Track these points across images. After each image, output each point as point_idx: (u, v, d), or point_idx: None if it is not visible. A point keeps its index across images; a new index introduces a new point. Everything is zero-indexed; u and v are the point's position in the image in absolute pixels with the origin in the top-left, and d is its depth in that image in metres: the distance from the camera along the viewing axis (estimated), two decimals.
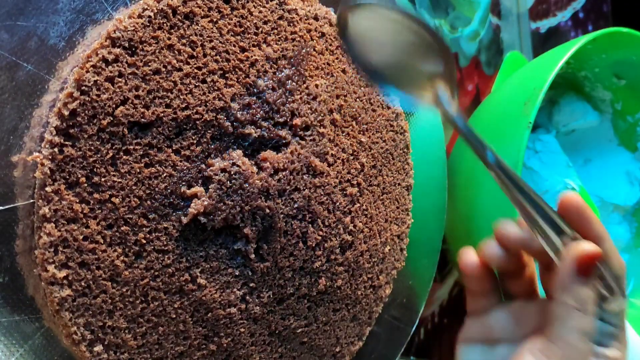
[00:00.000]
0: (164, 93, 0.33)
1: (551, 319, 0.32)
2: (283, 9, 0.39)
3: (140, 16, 0.33)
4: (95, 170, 0.32)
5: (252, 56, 0.37)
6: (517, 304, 0.36)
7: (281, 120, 0.38)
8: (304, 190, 0.38)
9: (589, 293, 0.31)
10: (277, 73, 0.38)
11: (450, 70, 0.33)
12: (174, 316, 0.34)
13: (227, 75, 0.36)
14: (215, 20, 0.36)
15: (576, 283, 0.31)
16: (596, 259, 0.31)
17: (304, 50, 0.39)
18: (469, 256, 0.35)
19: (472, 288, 0.36)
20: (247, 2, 0.37)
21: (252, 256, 0.36)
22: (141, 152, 0.33)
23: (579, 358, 0.31)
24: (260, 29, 0.37)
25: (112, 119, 0.32)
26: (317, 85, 0.39)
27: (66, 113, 0.31)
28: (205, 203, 0.34)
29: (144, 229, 0.33)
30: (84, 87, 0.31)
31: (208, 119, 0.35)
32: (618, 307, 0.32)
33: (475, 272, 0.35)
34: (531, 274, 0.36)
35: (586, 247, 0.31)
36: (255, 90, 0.37)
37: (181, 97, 0.34)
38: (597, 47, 0.52)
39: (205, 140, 0.35)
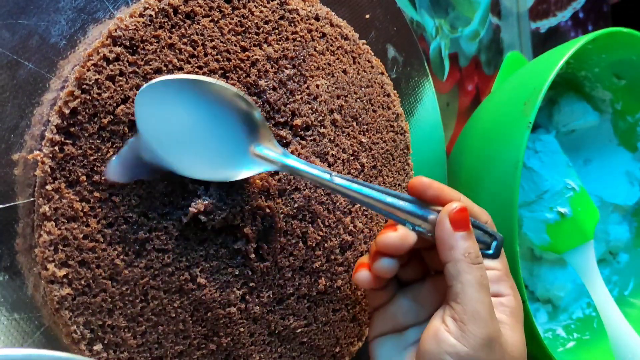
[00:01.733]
0: None
1: (448, 281, 0.33)
2: (284, 9, 0.39)
3: (141, 15, 0.33)
4: (95, 168, 0.32)
5: (253, 56, 0.37)
6: (414, 287, 0.38)
7: (282, 120, 0.38)
8: (304, 190, 0.38)
9: (472, 244, 0.33)
10: (278, 73, 0.38)
11: (258, 120, 0.33)
12: (174, 315, 0.34)
13: (228, 74, 0.36)
14: (216, 19, 0.36)
15: (458, 239, 0.33)
16: (464, 212, 0.33)
17: (304, 51, 0.39)
18: (362, 276, 0.36)
19: (372, 288, 0.38)
20: (248, 1, 0.37)
21: (252, 256, 0.36)
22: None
23: (484, 311, 0.32)
24: (261, 29, 0.37)
25: (112, 117, 0.32)
26: (317, 86, 0.39)
27: (67, 111, 0.31)
28: (206, 202, 0.34)
29: (144, 227, 0.33)
30: (84, 86, 0.31)
31: None
32: (493, 249, 0.35)
33: (371, 285, 0.36)
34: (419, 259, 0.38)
35: (452, 205, 0.34)
36: (256, 90, 0.37)
37: None
38: (597, 47, 0.52)
39: None
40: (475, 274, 0.32)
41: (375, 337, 0.38)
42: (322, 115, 0.39)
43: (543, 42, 0.70)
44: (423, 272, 0.38)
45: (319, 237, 0.39)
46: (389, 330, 0.38)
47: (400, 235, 0.34)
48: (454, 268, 0.33)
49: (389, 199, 0.34)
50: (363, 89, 0.43)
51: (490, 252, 0.35)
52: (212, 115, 0.32)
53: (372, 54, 0.44)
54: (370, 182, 0.42)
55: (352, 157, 0.41)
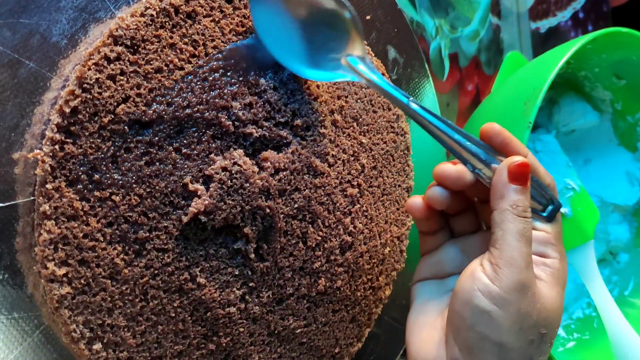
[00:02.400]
0: (165, 91, 0.34)
1: (492, 228, 0.34)
2: None
3: (142, 15, 0.33)
4: (95, 167, 0.32)
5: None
6: (464, 238, 0.39)
7: (282, 120, 0.38)
8: (304, 190, 0.38)
9: (523, 199, 0.34)
10: (279, 73, 0.38)
11: (358, 29, 0.36)
12: (173, 315, 0.34)
13: (228, 74, 0.36)
14: (217, 19, 0.36)
15: (511, 190, 0.33)
16: (525, 167, 0.34)
17: None
18: (414, 201, 0.38)
19: (423, 229, 0.39)
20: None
21: (252, 256, 0.36)
22: (142, 150, 0.33)
23: (520, 259, 0.32)
24: None
25: (113, 116, 0.32)
26: (318, 86, 0.39)
27: (67, 110, 0.31)
28: (206, 202, 0.34)
29: (144, 227, 0.33)
30: (85, 85, 0.31)
31: (209, 118, 0.35)
32: (547, 212, 0.35)
33: (421, 214, 0.38)
34: (474, 210, 0.39)
35: (515, 158, 0.34)
36: (256, 89, 0.37)
37: (182, 95, 0.34)
38: (597, 47, 0.52)
39: (206, 139, 0.35)
40: (517, 224, 0.33)
41: (417, 281, 0.39)
42: (323, 115, 0.39)
43: (543, 42, 0.70)
44: (475, 227, 0.39)
45: (319, 238, 0.39)
46: (432, 276, 0.39)
47: (458, 170, 0.35)
48: (499, 216, 0.33)
49: (457, 136, 0.35)
50: (363, 89, 0.43)
51: (544, 214, 0.35)
52: (313, 20, 0.36)
53: (373, 54, 0.44)
54: (371, 183, 0.42)
55: (352, 158, 0.41)
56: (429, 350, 0.36)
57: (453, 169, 0.35)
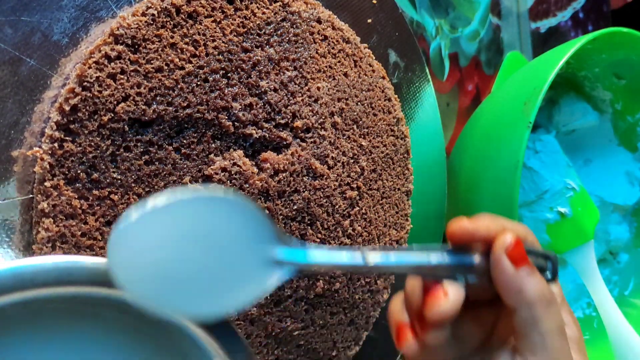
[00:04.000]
0: (166, 91, 0.33)
1: (520, 329, 0.28)
2: (286, 11, 0.39)
3: (144, 14, 0.33)
4: (95, 166, 0.32)
5: (254, 57, 0.37)
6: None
7: (282, 121, 0.38)
8: (303, 192, 0.38)
9: (542, 281, 0.28)
10: (280, 74, 0.38)
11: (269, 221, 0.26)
12: None
13: (229, 75, 0.36)
14: (218, 20, 0.36)
15: (524, 277, 0.28)
16: (520, 244, 0.28)
17: (306, 53, 0.39)
18: (411, 349, 0.30)
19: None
20: (251, 3, 0.37)
21: None
22: (141, 150, 0.33)
23: (564, 357, 0.28)
24: (263, 30, 0.37)
25: (113, 115, 0.32)
26: (318, 88, 0.39)
27: (67, 108, 0.31)
28: None
29: None
30: (85, 83, 0.31)
31: (209, 118, 0.35)
32: (550, 271, 0.30)
33: (420, 353, 0.30)
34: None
35: (505, 239, 0.28)
36: (257, 91, 0.37)
37: (183, 95, 0.34)
38: (597, 47, 0.52)
39: (206, 139, 0.35)
40: (555, 319, 0.28)
41: None
42: (323, 117, 0.39)
43: (543, 42, 0.70)
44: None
45: (318, 240, 0.39)
46: None
47: (453, 302, 0.28)
48: (529, 314, 0.27)
49: (435, 260, 0.29)
50: (364, 92, 0.43)
51: (549, 276, 0.30)
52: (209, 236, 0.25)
53: (374, 57, 0.44)
54: (370, 186, 0.42)
55: (352, 160, 0.41)
56: None
57: (449, 305, 0.28)
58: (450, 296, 0.28)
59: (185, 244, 0.24)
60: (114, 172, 0.32)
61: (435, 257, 0.29)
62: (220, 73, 0.35)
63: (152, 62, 0.33)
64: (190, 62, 0.34)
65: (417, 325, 0.30)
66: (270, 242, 0.26)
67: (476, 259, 0.29)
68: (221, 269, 0.25)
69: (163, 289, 0.24)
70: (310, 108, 0.39)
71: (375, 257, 0.28)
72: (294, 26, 0.39)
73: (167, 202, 0.24)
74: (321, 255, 0.27)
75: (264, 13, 0.38)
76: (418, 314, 0.30)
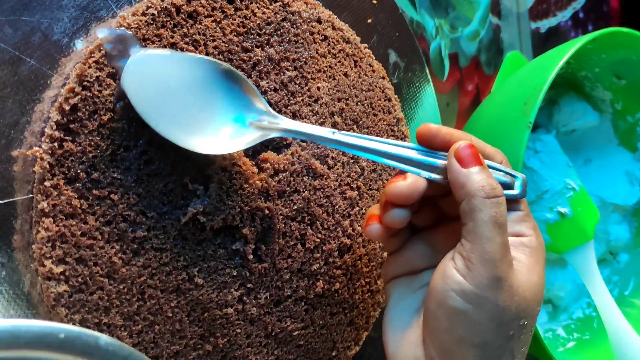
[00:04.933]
0: None
1: (462, 220, 0.32)
2: (286, 11, 0.39)
3: (144, 14, 0.33)
4: (94, 166, 0.32)
5: (254, 57, 0.37)
6: (428, 232, 0.37)
7: None
8: (303, 192, 0.38)
9: (486, 177, 0.31)
10: (280, 74, 0.38)
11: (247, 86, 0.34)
12: (170, 315, 0.34)
13: None
14: (218, 20, 0.36)
15: (469, 175, 0.31)
16: (470, 147, 0.32)
17: (306, 53, 0.39)
18: (372, 229, 0.35)
19: (386, 244, 0.37)
20: (251, 3, 0.37)
21: (250, 257, 0.36)
22: (141, 149, 0.33)
23: (494, 252, 0.30)
24: (263, 30, 0.37)
25: (112, 114, 0.32)
26: (319, 88, 0.39)
27: (67, 108, 0.31)
28: (205, 203, 0.34)
29: (143, 226, 0.33)
30: (85, 83, 0.31)
31: None
32: (520, 188, 0.33)
33: (384, 238, 0.36)
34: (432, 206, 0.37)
35: (457, 144, 0.32)
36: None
37: None
38: (597, 47, 0.52)
39: None
40: (489, 210, 0.30)
41: (390, 279, 0.37)
42: (323, 117, 0.39)
43: (543, 42, 0.70)
44: (438, 218, 0.37)
45: (318, 240, 0.39)
46: (403, 273, 0.37)
47: (409, 184, 0.33)
48: (468, 205, 0.31)
49: (395, 150, 0.33)
50: (364, 92, 0.43)
51: (517, 193, 0.33)
52: (201, 88, 0.33)
53: (374, 57, 0.44)
54: (370, 186, 0.42)
55: (352, 160, 0.41)
56: (406, 351, 0.34)
57: (404, 184, 0.33)
58: (407, 180, 0.33)
59: (182, 89, 0.32)
60: (114, 171, 0.32)
61: (398, 149, 0.33)
62: None
63: None
64: None
65: (382, 211, 0.35)
66: (253, 108, 0.34)
67: (439, 161, 0.33)
68: (208, 118, 0.33)
69: (163, 116, 0.32)
70: (311, 108, 0.39)
71: (344, 137, 0.34)
72: (294, 26, 0.39)
73: (171, 53, 0.33)
74: (293, 124, 0.34)
75: (264, 13, 0.38)
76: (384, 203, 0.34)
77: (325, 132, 0.34)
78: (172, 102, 0.32)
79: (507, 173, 0.34)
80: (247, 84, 0.34)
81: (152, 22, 0.33)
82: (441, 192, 0.35)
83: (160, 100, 0.32)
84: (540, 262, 0.33)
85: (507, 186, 0.33)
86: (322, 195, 0.39)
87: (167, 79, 0.32)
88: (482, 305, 0.30)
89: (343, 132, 0.34)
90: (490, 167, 0.33)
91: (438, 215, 0.37)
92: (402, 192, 0.33)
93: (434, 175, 0.33)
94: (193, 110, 0.33)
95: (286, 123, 0.34)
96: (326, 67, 0.40)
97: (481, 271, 0.30)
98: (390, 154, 0.33)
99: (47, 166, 0.31)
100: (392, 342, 0.35)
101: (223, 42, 0.36)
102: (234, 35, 0.36)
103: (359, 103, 0.42)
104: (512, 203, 0.33)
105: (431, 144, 0.34)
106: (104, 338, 0.26)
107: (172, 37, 0.34)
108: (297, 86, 0.38)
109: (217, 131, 0.33)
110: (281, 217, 0.37)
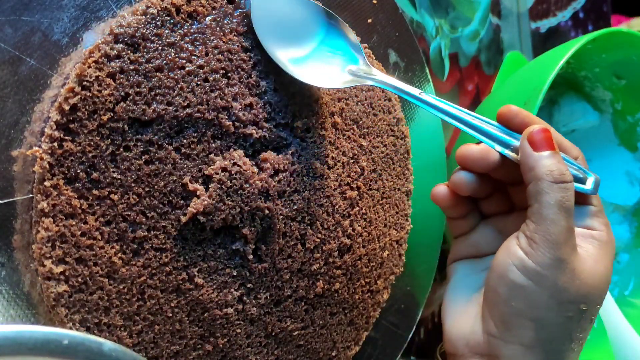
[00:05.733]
0: (166, 90, 0.33)
1: (529, 202, 0.32)
2: None
3: (144, 13, 0.33)
4: (94, 166, 0.32)
5: (254, 57, 0.37)
6: (499, 218, 0.38)
7: (283, 121, 0.37)
8: (303, 192, 0.38)
9: (556, 162, 0.32)
10: (280, 75, 0.38)
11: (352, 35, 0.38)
12: (170, 315, 0.34)
13: (229, 74, 0.36)
14: (218, 19, 0.36)
15: (540, 159, 0.32)
16: (545, 131, 0.32)
17: None
18: (439, 189, 0.37)
19: (451, 216, 0.38)
20: None
21: (250, 257, 0.36)
22: (141, 149, 0.33)
23: (558, 234, 0.31)
24: None
25: (112, 114, 0.32)
26: (319, 88, 0.39)
27: (67, 108, 0.31)
28: (205, 202, 0.34)
29: (143, 226, 0.33)
30: (85, 82, 0.31)
31: (209, 118, 0.35)
32: (592, 185, 0.33)
33: (447, 202, 0.37)
34: (502, 191, 0.38)
35: (533, 127, 0.33)
36: (257, 90, 0.37)
37: (183, 95, 0.34)
38: (597, 47, 0.52)
39: (206, 139, 0.35)
40: (555, 194, 0.31)
41: (454, 260, 0.38)
42: (323, 117, 0.39)
43: (543, 42, 0.70)
44: (508, 207, 0.38)
45: (318, 240, 0.39)
46: (469, 256, 0.38)
47: (481, 149, 0.34)
48: (534, 187, 0.32)
49: (475, 121, 0.35)
50: (364, 92, 0.43)
51: (588, 188, 0.33)
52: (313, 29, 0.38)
53: (374, 57, 0.44)
54: (370, 186, 0.42)
55: (352, 160, 0.41)
56: (464, 325, 0.35)
57: (477, 149, 0.34)
58: (480, 147, 0.34)
59: (297, 25, 0.37)
60: (113, 171, 0.32)
61: (483, 123, 0.35)
62: (221, 72, 0.35)
63: (151, 61, 0.33)
64: (190, 61, 0.34)
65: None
66: (353, 57, 0.38)
67: (515, 141, 0.34)
68: (315, 55, 0.38)
69: (276, 41, 0.36)
70: (311, 108, 0.39)
71: (428, 96, 0.36)
72: None
73: None
74: (385, 77, 0.37)
75: None
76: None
77: (414, 90, 0.36)
78: (287, 34, 0.37)
79: (580, 169, 0.34)
80: (352, 37, 0.38)
81: (151, 21, 0.33)
82: (512, 179, 0.36)
83: (278, 30, 0.36)
84: (609, 255, 0.34)
85: (578, 180, 0.34)
86: (322, 195, 0.39)
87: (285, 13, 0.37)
88: (542, 283, 0.31)
89: (428, 94, 0.36)
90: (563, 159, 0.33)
91: (508, 204, 0.38)
92: (472, 155, 0.34)
93: (507, 152, 0.34)
94: (303, 44, 0.37)
95: (379, 75, 0.37)
96: None
97: (544, 251, 0.31)
98: (469, 123, 0.35)
99: (47, 166, 0.31)
100: (451, 316, 0.36)
101: (223, 41, 0.36)
102: (234, 34, 0.36)
103: (359, 103, 0.42)
104: (586, 198, 0.34)
105: (510, 124, 0.35)
106: (108, 344, 0.26)
107: (172, 36, 0.34)
108: (297, 86, 0.38)
109: (319, 68, 0.37)
110: (281, 217, 0.37)
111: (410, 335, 0.48)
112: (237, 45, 0.36)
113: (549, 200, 0.31)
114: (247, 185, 0.35)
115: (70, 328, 0.31)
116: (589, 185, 0.34)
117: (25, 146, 0.32)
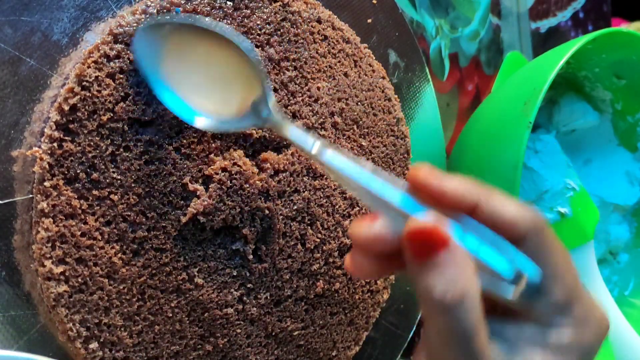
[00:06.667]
0: None
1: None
2: (286, 11, 0.39)
3: (143, 13, 0.33)
4: (94, 166, 0.32)
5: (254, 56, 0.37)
6: None
7: None
8: (303, 192, 0.38)
9: (441, 276, 0.22)
10: (280, 74, 0.38)
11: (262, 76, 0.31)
12: (171, 315, 0.34)
13: None
14: (218, 19, 0.36)
15: (420, 271, 0.23)
16: (434, 233, 0.22)
17: (306, 53, 0.39)
18: (346, 262, 0.27)
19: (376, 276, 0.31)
20: (251, 2, 0.37)
21: (251, 257, 0.36)
22: (141, 149, 0.33)
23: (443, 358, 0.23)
24: (263, 30, 0.37)
25: (112, 114, 0.32)
26: (319, 88, 0.39)
27: (66, 108, 0.31)
28: (205, 203, 0.34)
29: (143, 226, 0.33)
30: (85, 83, 0.31)
31: None
32: (513, 291, 0.24)
33: (362, 272, 0.27)
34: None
35: (416, 220, 0.23)
36: None
37: None
38: (597, 47, 0.52)
39: (206, 139, 0.35)
40: (437, 319, 0.23)
41: None
42: (323, 117, 0.39)
43: (543, 42, 0.70)
44: None
45: (318, 240, 0.39)
46: None
47: (375, 229, 0.25)
48: (422, 306, 0.24)
49: (380, 190, 0.25)
50: (364, 92, 0.43)
51: (507, 293, 0.24)
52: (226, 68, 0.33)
53: (374, 57, 0.44)
54: None
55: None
56: None
57: (365, 230, 0.25)
58: (375, 225, 0.25)
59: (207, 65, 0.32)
60: (113, 172, 0.32)
61: (388, 190, 0.25)
62: None
63: None
64: None
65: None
66: (265, 104, 0.32)
67: (428, 214, 0.24)
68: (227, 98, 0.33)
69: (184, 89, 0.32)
70: (310, 108, 0.39)
71: (324, 152, 0.27)
72: (294, 26, 0.39)
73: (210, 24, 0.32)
74: (293, 131, 0.30)
75: (263, 12, 0.38)
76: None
77: (307, 145, 0.29)
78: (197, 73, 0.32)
79: (516, 259, 0.24)
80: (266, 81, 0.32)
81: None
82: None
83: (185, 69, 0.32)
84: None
85: (507, 277, 0.24)
86: (322, 195, 0.39)
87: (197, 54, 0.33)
88: None
89: (331, 150, 0.28)
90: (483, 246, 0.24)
91: None
92: (363, 237, 0.25)
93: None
94: (215, 85, 0.33)
95: (292, 132, 0.30)
96: (326, 67, 0.40)
97: None
98: (372, 194, 0.25)
99: (47, 166, 0.31)
100: None
101: None
102: None
103: (359, 103, 0.42)
104: (530, 302, 0.25)
105: (423, 193, 0.25)
106: None
107: None
108: (297, 86, 0.38)
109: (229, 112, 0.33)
110: (281, 217, 0.37)
111: (410, 336, 0.48)
112: None
113: (430, 329, 0.23)
114: (247, 185, 0.35)
115: (71, 328, 0.31)
116: (509, 288, 0.23)
117: (25, 146, 0.32)
